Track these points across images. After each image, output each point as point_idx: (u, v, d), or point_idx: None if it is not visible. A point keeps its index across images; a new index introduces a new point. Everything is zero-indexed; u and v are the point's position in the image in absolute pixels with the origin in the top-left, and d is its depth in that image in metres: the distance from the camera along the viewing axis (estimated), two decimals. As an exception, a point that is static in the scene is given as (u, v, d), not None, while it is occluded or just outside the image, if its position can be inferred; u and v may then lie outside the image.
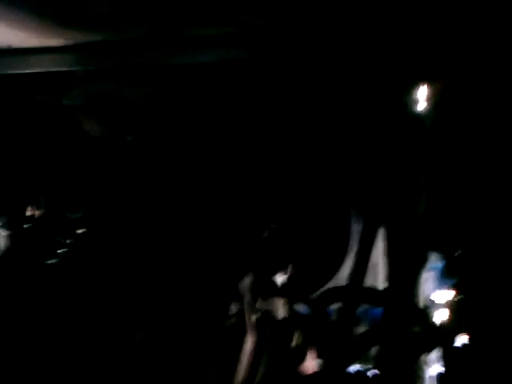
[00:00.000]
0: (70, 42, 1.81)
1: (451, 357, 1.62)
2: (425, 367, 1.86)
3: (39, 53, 1.88)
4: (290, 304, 2.04)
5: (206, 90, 2.01)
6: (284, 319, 2.02)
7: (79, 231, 2.19)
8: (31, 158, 2.00)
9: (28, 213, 2.20)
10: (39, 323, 1.90)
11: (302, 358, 1.99)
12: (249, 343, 1.83)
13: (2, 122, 2.07)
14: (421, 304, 1.90)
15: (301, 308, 2.08)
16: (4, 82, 2.02)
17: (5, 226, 2.12)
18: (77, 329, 1.86)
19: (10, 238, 2.15)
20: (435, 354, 1.79)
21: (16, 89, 2.08)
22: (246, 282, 1.95)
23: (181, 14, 1.59)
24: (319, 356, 2.07)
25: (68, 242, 2.25)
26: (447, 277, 1.77)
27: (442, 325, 1.71)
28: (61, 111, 2.06)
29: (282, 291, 2.02)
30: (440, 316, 1.82)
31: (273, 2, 1.49)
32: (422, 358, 1.84)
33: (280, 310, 2.04)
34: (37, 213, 2.21)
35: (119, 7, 1.55)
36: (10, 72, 1.93)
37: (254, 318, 1.91)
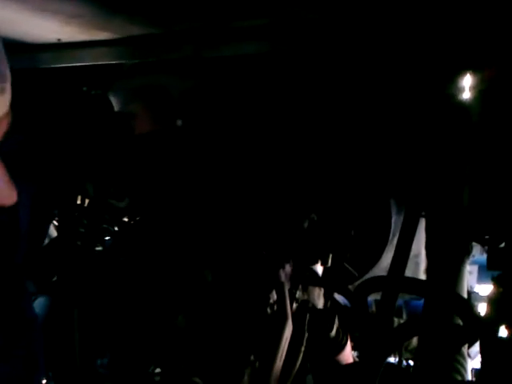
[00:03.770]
0: (117, 35, 1.86)
1: (491, 350, 1.59)
2: (467, 360, 1.83)
3: (87, 46, 1.94)
4: (329, 294, 2.04)
5: (249, 80, 2.03)
6: (323, 309, 2.03)
7: (125, 219, 2.26)
8: (79, 148, 2.07)
9: (78, 202, 2.29)
10: (90, 306, 1.97)
11: (341, 348, 1.99)
12: (287, 331, 1.84)
13: (52, 113, 2.15)
14: (464, 296, 1.86)
15: (340, 298, 2.09)
16: (53, 74, 2.11)
17: (57, 215, 2.21)
18: (121, 313, 1.92)
19: (62, 226, 2.24)
20: (478, 347, 1.76)
21: (64, 81, 2.16)
22: (286, 271, 1.96)
23: (226, 5, 1.60)
24: (358, 346, 2.07)
25: (115, 229, 2.33)
26: (490, 269, 1.72)
27: (484, 317, 1.67)
28: (107, 103, 2.12)
29: (321, 281, 2.03)
30: (483, 308, 1.78)
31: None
32: (464, 350, 1.81)
33: (319, 299, 2.05)
34: (86, 201, 2.29)
35: (166, 2, 1.59)
36: (58, 65, 2.00)
37: (293, 306, 1.93)
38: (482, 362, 1.64)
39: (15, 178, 1.33)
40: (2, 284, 1.25)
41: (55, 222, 2.22)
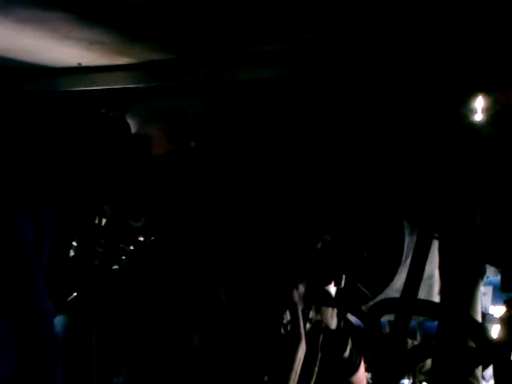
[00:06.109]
0: (135, 60, 1.92)
1: (505, 372, 1.58)
2: (481, 382, 1.83)
3: (106, 71, 1.99)
4: (342, 314, 2.05)
5: (262, 103, 2.07)
6: (336, 330, 2.03)
7: (141, 238, 2.29)
8: (97, 169, 2.11)
9: (96, 221, 2.33)
10: (107, 325, 1.99)
11: (354, 370, 1.99)
12: (301, 352, 1.85)
13: (71, 134, 2.20)
14: (478, 318, 1.86)
15: (353, 318, 2.09)
16: (72, 97, 2.16)
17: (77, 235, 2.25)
18: (137, 332, 1.94)
19: (80, 245, 2.27)
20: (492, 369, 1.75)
21: (83, 103, 2.22)
22: (300, 291, 1.97)
23: (242, 31, 1.64)
24: (371, 368, 2.07)
25: (131, 249, 2.36)
26: (504, 291, 1.73)
27: (498, 339, 1.67)
28: (124, 124, 2.17)
29: (334, 301, 2.03)
30: (497, 330, 1.78)
31: (334, 18, 1.51)
32: (479, 373, 1.81)
33: (332, 320, 2.05)
34: (103, 221, 2.33)
35: (183, 29, 1.63)
36: (79, 88, 2.06)
37: (306, 327, 1.93)
38: (496, 384, 1.64)
39: (38, 203, 1.37)
40: (25, 305, 1.28)
41: (74, 243, 2.26)
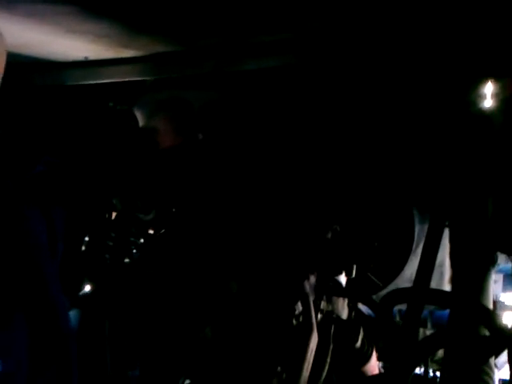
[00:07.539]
0: (141, 53, 1.91)
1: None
2: (494, 370, 1.82)
3: (113, 64, 1.99)
4: (353, 304, 2.05)
5: (270, 93, 2.06)
6: (348, 320, 2.04)
7: (151, 231, 2.30)
8: (106, 163, 2.11)
9: (106, 215, 2.33)
10: (120, 318, 2.00)
11: (366, 359, 2.00)
12: (313, 343, 1.85)
13: (79, 128, 2.20)
14: (489, 306, 1.85)
15: (364, 308, 2.09)
16: (80, 91, 2.16)
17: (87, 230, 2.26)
18: (150, 325, 1.95)
19: (91, 240, 2.28)
20: (505, 358, 1.75)
21: (91, 97, 2.22)
22: (311, 282, 1.97)
23: (247, 21, 1.63)
24: (383, 357, 2.07)
25: (141, 242, 2.37)
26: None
27: (510, 327, 1.66)
28: (132, 118, 2.16)
29: (345, 292, 2.04)
30: (509, 317, 1.77)
31: (339, 6, 1.50)
32: (491, 361, 1.80)
33: (344, 310, 2.05)
34: (113, 215, 2.33)
35: (188, 20, 1.62)
36: (85, 82, 2.06)
37: (318, 317, 1.94)
38: (510, 372, 1.63)
39: (48, 202, 1.37)
40: (40, 304, 1.29)
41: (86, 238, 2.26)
